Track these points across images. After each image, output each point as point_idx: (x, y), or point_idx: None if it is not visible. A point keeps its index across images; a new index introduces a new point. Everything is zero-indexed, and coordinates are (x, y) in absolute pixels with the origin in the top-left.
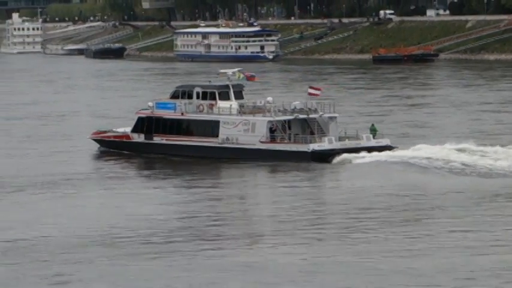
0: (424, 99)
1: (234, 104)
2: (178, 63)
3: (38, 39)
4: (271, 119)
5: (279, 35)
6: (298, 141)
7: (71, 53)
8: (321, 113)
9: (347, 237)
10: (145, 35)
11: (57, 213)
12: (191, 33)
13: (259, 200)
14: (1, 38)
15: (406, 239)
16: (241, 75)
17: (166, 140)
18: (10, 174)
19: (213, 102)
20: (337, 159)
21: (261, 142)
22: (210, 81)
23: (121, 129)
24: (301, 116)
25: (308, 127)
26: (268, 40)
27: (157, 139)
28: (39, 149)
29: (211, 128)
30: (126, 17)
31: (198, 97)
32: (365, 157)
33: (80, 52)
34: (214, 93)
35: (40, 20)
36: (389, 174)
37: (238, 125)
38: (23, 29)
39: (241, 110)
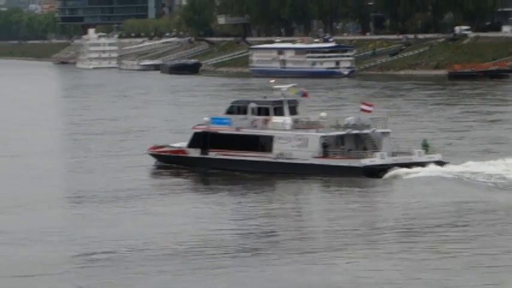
0: (504, 115)
1: (288, 119)
2: (254, 79)
3: (114, 54)
4: (324, 134)
5: (355, 51)
6: (350, 157)
7: (147, 68)
8: (374, 128)
9: (422, 253)
10: (220, 51)
11: (124, 229)
12: (267, 48)
13: (318, 215)
14: (77, 53)
15: (491, 254)
16: (297, 91)
17: (221, 155)
18: (84, 188)
19: (268, 117)
20: (388, 174)
21: (314, 157)
22: (265, 97)
23: (177, 144)
24: (354, 132)
25: (361, 142)
26: (343, 56)
27: (212, 154)
28: (113, 163)
29: (265, 143)
30: (201, 33)
31: (253, 112)
32: (416, 172)
33: (156, 68)
34: (268, 108)
35: (116, 35)
36: (442, 189)
37: (292, 140)
38: (99, 45)
39: (295, 126)
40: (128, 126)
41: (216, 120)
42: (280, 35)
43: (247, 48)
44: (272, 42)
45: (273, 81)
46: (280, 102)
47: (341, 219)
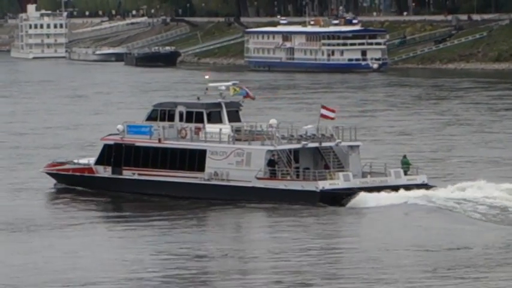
0: None
1: (225, 128)
2: (251, 74)
3: (62, 40)
4: (271, 148)
5: (387, 37)
6: (304, 178)
7: (106, 58)
8: (338, 140)
9: None
10: (206, 36)
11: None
12: (268, 33)
13: (255, 254)
14: (12, 38)
15: None
16: (238, 90)
17: (138, 174)
18: None
19: (200, 125)
20: (351, 201)
21: (258, 178)
22: (198, 98)
23: (83, 160)
24: (311, 145)
25: (322, 159)
26: (371, 43)
27: (127, 173)
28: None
29: (195, 159)
30: (180, 11)
31: (181, 119)
32: (388, 199)
33: (118, 58)
34: (201, 113)
35: (65, 14)
36: (413, 225)
37: (229, 156)
38: (42, 26)
39: (236, 137)
40: (89, 138)
41: (132, 129)
42: (286, 14)
43: (241, 32)
44: (276, 24)
45: (207, 76)
46: (217, 105)
47: (284, 266)
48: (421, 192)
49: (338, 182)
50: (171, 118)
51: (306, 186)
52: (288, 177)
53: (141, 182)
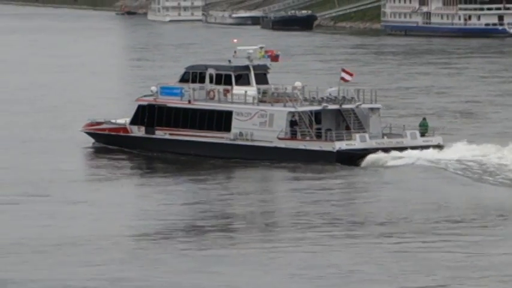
0: None
1: (251, 90)
2: (388, 38)
3: (199, 2)
4: (292, 109)
5: None
6: (323, 139)
7: (242, 22)
8: (359, 102)
9: None
10: (342, 0)
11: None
12: None
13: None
14: (148, 0)
15: None
16: (263, 54)
17: (170, 134)
18: None
19: (229, 87)
20: (366, 161)
21: (279, 139)
22: (229, 61)
23: (121, 120)
24: (332, 107)
25: (343, 121)
26: (509, 8)
27: (159, 133)
28: None
29: (222, 120)
30: None
31: (211, 81)
32: (402, 158)
33: (255, 21)
34: (230, 76)
35: None
36: (424, 183)
37: (253, 117)
38: None
39: (261, 98)
40: None
41: (165, 91)
42: None
43: None
44: None
45: (236, 40)
46: (245, 68)
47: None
48: (432, 152)
49: (354, 142)
50: (202, 80)
51: (323, 146)
52: (308, 138)
53: (172, 142)
